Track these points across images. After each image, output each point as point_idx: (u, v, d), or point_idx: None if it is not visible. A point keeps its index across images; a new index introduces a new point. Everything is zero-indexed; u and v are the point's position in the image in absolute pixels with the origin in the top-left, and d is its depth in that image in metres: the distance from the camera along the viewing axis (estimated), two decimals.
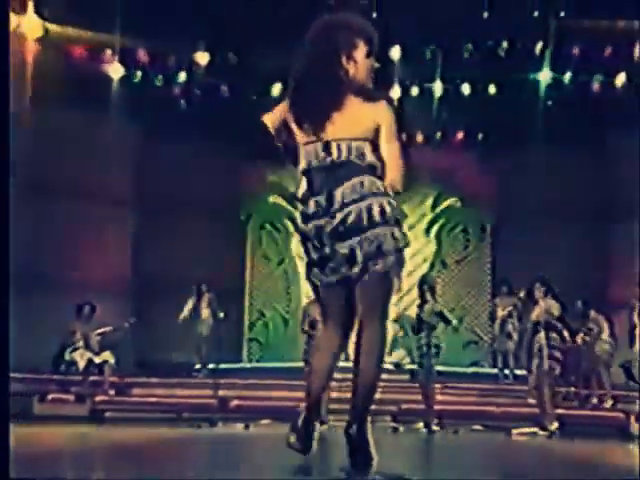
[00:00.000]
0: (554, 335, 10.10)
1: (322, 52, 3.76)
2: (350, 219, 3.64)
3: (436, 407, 10.63)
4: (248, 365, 16.68)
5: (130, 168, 16.06)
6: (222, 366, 14.33)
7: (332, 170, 3.72)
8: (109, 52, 14.67)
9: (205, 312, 14.51)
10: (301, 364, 10.35)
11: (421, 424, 10.42)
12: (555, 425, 9.99)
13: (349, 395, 3.77)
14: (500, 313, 14.75)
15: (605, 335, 13.05)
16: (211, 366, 14.41)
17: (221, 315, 14.14)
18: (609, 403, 12.88)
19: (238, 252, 17.34)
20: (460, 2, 13.67)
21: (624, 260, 15.04)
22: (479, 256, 17.32)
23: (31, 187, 13.73)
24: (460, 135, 16.57)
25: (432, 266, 16.81)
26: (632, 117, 14.28)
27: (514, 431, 10.22)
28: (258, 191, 17.00)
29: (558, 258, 15.13)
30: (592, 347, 12.97)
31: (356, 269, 3.65)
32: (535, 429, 10.19)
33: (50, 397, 12.77)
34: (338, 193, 3.69)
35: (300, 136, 3.77)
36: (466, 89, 15.36)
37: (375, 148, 3.73)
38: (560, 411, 10.72)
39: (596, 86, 14.95)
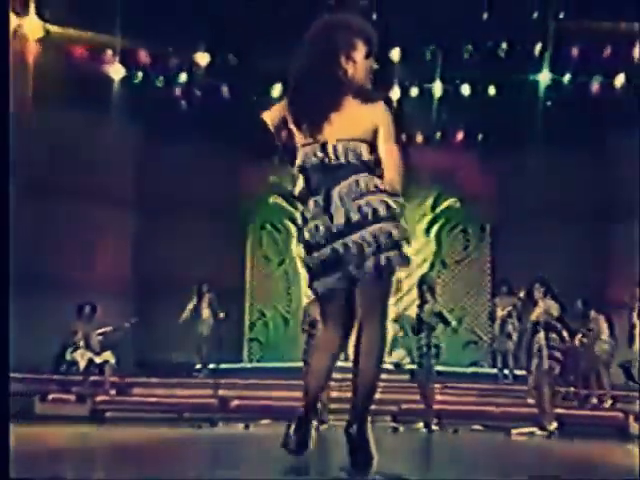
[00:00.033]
0: (553, 335, 10.12)
1: (321, 52, 3.76)
2: (347, 218, 3.65)
3: (436, 407, 10.65)
4: (248, 365, 16.69)
5: (131, 168, 16.07)
6: (222, 366, 14.36)
7: (329, 170, 3.73)
8: (110, 53, 14.68)
9: (206, 312, 14.52)
10: (301, 364, 10.36)
11: (421, 424, 10.44)
12: (554, 425, 10.01)
13: (349, 395, 3.77)
14: (500, 313, 14.76)
15: (605, 335, 13.06)
16: (211, 366, 14.43)
17: (222, 315, 14.17)
18: (608, 403, 12.89)
19: (239, 252, 17.36)
20: (460, 3, 13.67)
21: (624, 260, 15.04)
22: (479, 256, 17.34)
23: (31, 187, 13.74)
24: (460, 135, 16.59)
25: (432, 266, 16.83)
26: (631, 117, 14.30)
27: (514, 431, 10.23)
28: (259, 191, 17.02)
29: (558, 258, 15.15)
30: (592, 347, 12.99)
31: (355, 268, 3.66)
32: (534, 429, 10.21)
33: (51, 397, 12.78)
34: (335, 192, 3.70)
35: (299, 136, 3.78)
36: (466, 90, 15.38)
37: (373, 149, 3.73)
38: (559, 411, 10.74)
39: (595, 87, 14.96)
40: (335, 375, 3.96)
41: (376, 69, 3.88)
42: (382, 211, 3.65)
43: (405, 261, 3.71)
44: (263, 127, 3.83)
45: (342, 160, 3.71)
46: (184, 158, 15.96)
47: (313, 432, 3.82)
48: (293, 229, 16.09)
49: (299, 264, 14.75)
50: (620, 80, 14.82)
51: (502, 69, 14.76)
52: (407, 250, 3.73)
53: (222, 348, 14.53)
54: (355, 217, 3.65)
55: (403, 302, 15.08)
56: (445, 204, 17.17)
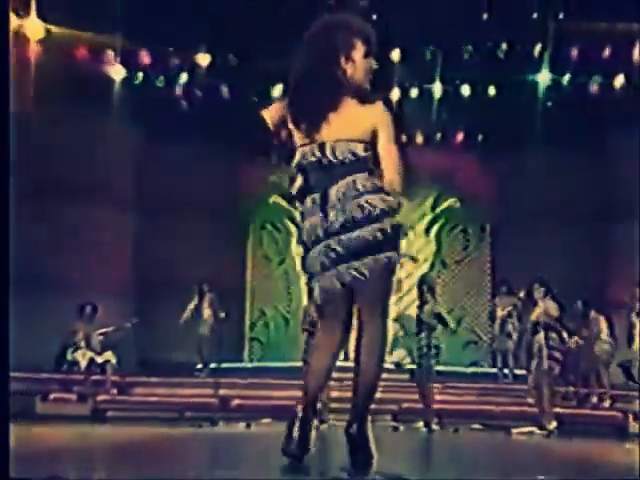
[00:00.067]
0: (553, 335, 10.14)
1: (320, 52, 3.77)
2: (344, 217, 3.66)
3: (436, 406, 10.67)
4: (249, 365, 16.70)
5: (131, 169, 16.08)
6: (223, 365, 14.40)
7: (327, 169, 3.73)
8: (110, 53, 14.71)
9: (206, 312, 14.54)
10: (302, 364, 10.37)
11: (421, 423, 10.45)
12: (554, 424, 10.04)
13: (349, 394, 3.79)
14: (500, 313, 14.78)
15: (605, 335, 13.08)
16: (212, 366, 14.45)
17: (222, 315, 14.21)
18: (608, 402, 12.91)
19: (239, 252, 17.37)
20: (460, 4, 13.69)
21: (624, 260, 15.05)
22: (479, 256, 17.35)
23: (31, 187, 13.75)
24: (460, 136, 16.61)
25: (432, 266, 16.84)
26: (631, 117, 14.32)
27: (514, 430, 10.26)
28: (259, 191, 17.02)
29: (558, 258, 15.18)
30: (591, 347, 13.01)
31: (351, 267, 3.67)
32: (533, 428, 10.23)
33: (52, 396, 12.81)
34: (333, 191, 3.70)
35: (298, 136, 3.79)
36: (466, 90, 15.40)
37: (372, 149, 3.74)
38: (559, 410, 10.76)
39: (595, 87, 14.97)
40: (335, 374, 3.96)
41: (376, 69, 3.87)
42: (379, 210, 3.65)
43: (400, 260, 3.73)
44: (262, 125, 3.84)
45: (340, 160, 3.71)
46: (184, 158, 15.98)
47: (314, 433, 3.81)
48: (293, 229, 16.09)
49: (299, 264, 14.76)
50: (620, 80, 14.83)
51: (502, 69, 14.77)
52: (405, 248, 3.74)
53: (223, 348, 14.57)
54: (352, 216, 3.65)
55: (403, 302, 15.09)
56: (445, 204, 17.18)
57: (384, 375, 3.87)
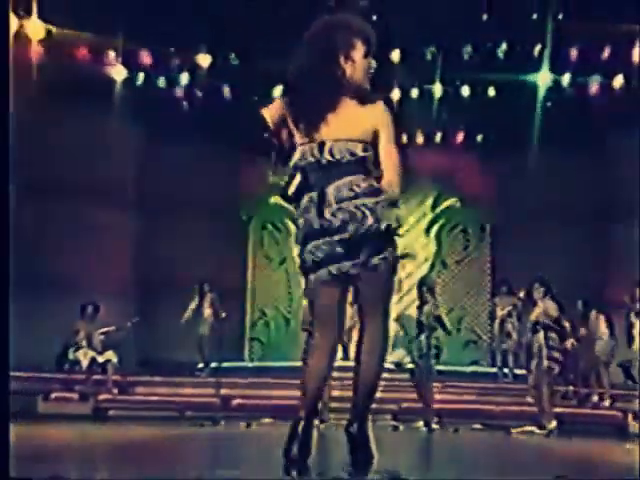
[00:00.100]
0: (553, 335, 10.15)
1: (320, 52, 3.78)
2: (341, 216, 3.66)
3: (436, 406, 10.69)
4: (250, 364, 16.71)
5: (132, 169, 16.09)
6: (224, 365, 14.42)
7: (325, 169, 3.73)
8: (111, 54, 14.71)
9: (207, 312, 14.55)
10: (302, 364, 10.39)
11: (421, 423, 10.47)
12: (553, 424, 10.05)
13: (350, 394, 3.80)
14: (499, 313, 14.80)
15: (605, 335, 13.09)
16: (213, 365, 14.47)
17: (223, 314, 14.22)
18: (608, 402, 12.93)
19: (240, 252, 17.38)
20: (460, 4, 13.70)
21: (624, 260, 15.05)
22: (479, 256, 17.35)
23: (31, 187, 13.76)
24: (460, 136, 16.61)
25: (432, 266, 16.85)
26: (631, 118, 14.32)
27: (514, 430, 10.27)
28: (259, 191, 17.02)
29: (558, 258, 15.18)
30: (591, 347, 13.02)
31: (345, 267, 3.68)
32: (533, 428, 10.24)
33: (54, 396, 12.83)
34: (330, 190, 3.71)
35: (297, 135, 3.80)
36: (465, 91, 15.40)
37: (371, 150, 3.75)
38: (559, 410, 10.77)
39: (595, 87, 14.98)
40: (336, 374, 3.96)
41: (376, 70, 3.88)
42: (375, 212, 3.66)
43: (398, 260, 3.74)
44: (263, 125, 3.85)
45: (338, 159, 3.72)
46: (185, 158, 15.98)
47: (314, 433, 3.83)
48: (294, 229, 16.10)
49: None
50: (619, 81, 14.82)
51: (502, 70, 14.77)
52: (404, 248, 3.76)
53: (223, 347, 14.59)
54: (348, 216, 3.65)
55: (403, 302, 15.09)
56: (445, 204, 17.19)
57: (384, 375, 3.88)
